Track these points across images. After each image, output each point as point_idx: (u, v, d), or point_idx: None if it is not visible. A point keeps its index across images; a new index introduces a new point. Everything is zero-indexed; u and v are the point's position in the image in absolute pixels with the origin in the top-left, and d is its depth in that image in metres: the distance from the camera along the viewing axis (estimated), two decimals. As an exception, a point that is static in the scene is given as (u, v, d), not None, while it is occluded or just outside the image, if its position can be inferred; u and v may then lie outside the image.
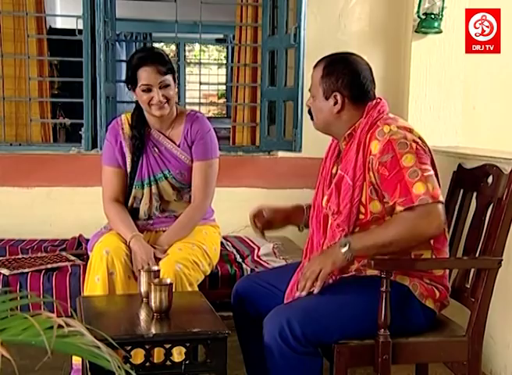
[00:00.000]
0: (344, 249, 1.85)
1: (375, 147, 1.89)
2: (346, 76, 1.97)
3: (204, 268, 2.48)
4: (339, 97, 1.97)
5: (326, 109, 2.00)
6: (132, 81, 2.48)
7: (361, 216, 1.95)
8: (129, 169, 2.57)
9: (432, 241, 1.95)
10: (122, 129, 2.60)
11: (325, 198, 2.05)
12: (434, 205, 1.80)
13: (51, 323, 1.09)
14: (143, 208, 2.59)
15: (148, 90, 2.45)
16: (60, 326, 1.10)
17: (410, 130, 1.94)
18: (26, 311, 1.19)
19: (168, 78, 2.47)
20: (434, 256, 1.98)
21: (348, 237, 1.88)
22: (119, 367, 1.10)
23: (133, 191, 2.58)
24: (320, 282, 1.88)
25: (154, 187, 2.57)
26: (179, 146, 2.58)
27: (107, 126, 3.52)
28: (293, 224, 2.30)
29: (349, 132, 1.99)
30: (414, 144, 1.88)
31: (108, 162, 2.61)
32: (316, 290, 1.89)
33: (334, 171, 2.07)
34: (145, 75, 2.44)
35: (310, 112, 2.10)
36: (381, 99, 2.02)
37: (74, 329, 1.10)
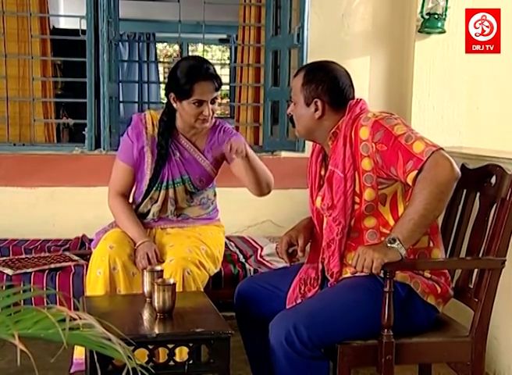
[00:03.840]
0: (395, 245, 1.80)
1: (364, 132, 1.92)
2: (326, 82, 2.02)
3: (211, 270, 2.49)
4: (319, 103, 2.01)
5: (307, 116, 2.04)
6: (183, 94, 2.40)
7: (356, 206, 1.97)
8: (149, 175, 2.53)
9: None
10: (146, 128, 2.55)
11: (319, 198, 2.07)
12: (437, 152, 1.80)
13: (63, 315, 1.10)
14: (154, 209, 2.57)
15: (200, 104, 2.41)
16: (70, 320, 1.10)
17: (393, 114, 2.00)
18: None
19: (218, 93, 2.46)
20: (431, 242, 1.99)
21: (390, 235, 1.83)
22: (129, 358, 1.11)
23: (152, 192, 2.55)
24: (376, 272, 1.81)
25: (171, 191, 2.55)
26: (202, 153, 2.58)
27: (110, 127, 3.56)
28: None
29: (333, 130, 2.02)
30: (399, 119, 1.96)
31: (123, 158, 2.58)
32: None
33: (323, 173, 2.10)
34: (202, 90, 2.39)
35: (291, 120, 2.14)
36: (361, 99, 2.07)
37: (86, 321, 1.10)
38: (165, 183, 2.54)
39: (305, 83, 2.03)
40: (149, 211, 2.59)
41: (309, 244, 2.21)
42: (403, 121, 1.96)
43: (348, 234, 2.00)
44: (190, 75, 2.39)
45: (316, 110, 2.02)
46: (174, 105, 2.47)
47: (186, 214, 2.62)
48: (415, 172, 1.80)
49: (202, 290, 2.37)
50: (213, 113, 2.46)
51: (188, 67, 2.42)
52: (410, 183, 1.83)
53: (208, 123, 2.47)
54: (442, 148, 1.83)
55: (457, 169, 1.82)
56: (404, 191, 1.95)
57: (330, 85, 2.02)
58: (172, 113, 2.53)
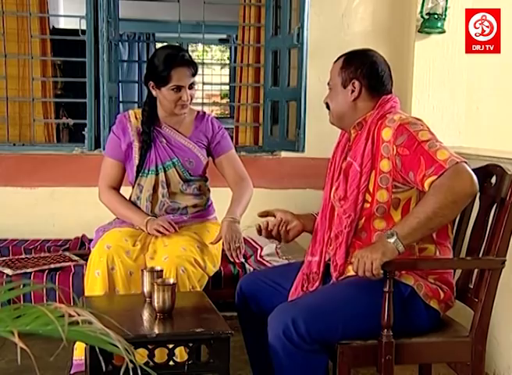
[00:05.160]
0: (392, 240, 1.80)
1: (387, 134, 1.92)
2: (366, 66, 2.04)
3: (208, 269, 2.49)
4: (356, 84, 2.02)
5: (343, 97, 2.05)
6: (161, 80, 2.50)
7: (367, 205, 1.96)
8: (136, 162, 2.60)
9: (434, 235, 1.95)
10: (130, 122, 2.63)
11: (334, 188, 2.07)
12: (461, 163, 1.80)
13: (61, 312, 1.09)
14: (144, 195, 2.61)
15: (178, 90, 2.50)
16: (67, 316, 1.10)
17: (420, 119, 2.01)
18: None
19: (195, 79, 2.56)
20: (437, 251, 1.98)
21: (391, 229, 1.83)
22: (128, 352, 1.11)
23: (139, 178, 2.61)
24: (377, 272, 1.81)
25: (161, 175, 2.60)
26: (189, 139, 2.64)
27: (110, 127, 3.55)
28: (306, 231, 2.26)
29: (359, 121, 2.03)
30: (425, 125, 1.95)
31: (110, 154, 2.67)
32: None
33: (344, 165, 2.08)
34: (179, 76, 2.49)
35: (328, 106, 2.14)
36: (395, 97, 2.07)
37: (84, 317, 1.10)
38: (153, 168, 2.60)
39: (344, 66, 2.05)
40: (139, 201, 2.62)
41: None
42: (429, 128, 1.95)
43: (356, 233, 2.00)
44: (167, 62, 2.49)
45: (353, 91, 2.02)
46: (153, 92, 2.56)
47: (179, 202, 2.63)
48: (434, 177, 1.79)
49: (199, 288, 2.37)
50: (191, 98, 2.56)
51: (165, 55, 2.53)
52: (427, 188, 1.81)
53: (186, 109, 2.57)
54: (465, 162, 1.82)
55: (477, 185, 1.81)
56: (418, 199, 1.93)
57: (369, 69, 2.03)
58: (153, 104, 2.62)
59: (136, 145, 2.60)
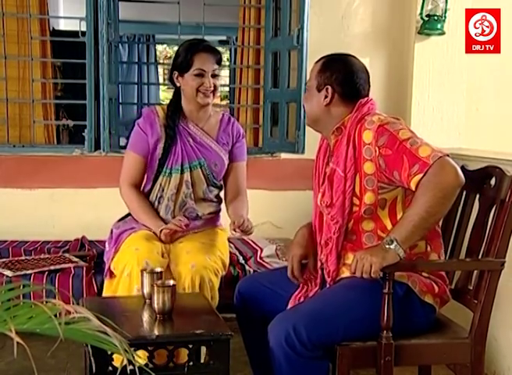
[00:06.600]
0: (392, 246, 1.80)
1: (368, 136, 1.93)
2: (341, 73, 2.04)
3: (223, 271, 2.52)
4: (330, 90, 2.04)
5: (316, 101, 2.07)
6: (184, 66, 2.51)
7: (355, 208, 1.97)
8: (159, 157, 2.56)
9: None
10: (158, 117, 2.60)
11: (320, 195, 2.08)
12: (444, 157, 1.81)
13: (58, 310, 1.09)
14: (167, 194, 2.56)
15: (201, 75, 2.50)
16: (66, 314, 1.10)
17: (398, 119, 2.02)
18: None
19: (219, 68, 2.56)
20: (428, 246, 1.99)
21: (389, 235, 1.83)
22: (126, 351, 1.10)
23: (160, 177, 2.57)
24: (376, 275, 1.81)
25: (186, 175, 2.57)
26: (215, 140, 2.63)
27: (110, 128, 3.56)
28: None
29: (337, 126, 2.04)
30: (404, 124, 1.98)
31: (134, 149, 2.60)
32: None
33: (327, 170, 2.09)
34: (201, 61, 2.50)
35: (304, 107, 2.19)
36: (371, 99, 2.08)
37: (81, 315, 1.10)
38: (178, 167, 2.55)
39: (321, 71, 2.07)
40: (160, 201, 2.57)
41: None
42: (408, 127, 1.96)
43: (346, 236, 2.00)
44: (190, 48, 2.52)
45: (326, 97, 2.03)
46: (178, 84, 2.57)
47: (197, 209, 2.60)
48: (420, 175, 1.80)
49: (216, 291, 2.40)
50: (215, 89, 2.54)
51: (188, 43, 2.56)
52: (414, 187, 1.82)
53: (209, 99, 2.54)
54: (448, 155, 1.83)
55: (462, 176, 1.82)
56: (404, 197, 1.95)
57: (344, 76, 2.04)
58: (178, 101, 2.61)
59: (161, 142, 2.57)
